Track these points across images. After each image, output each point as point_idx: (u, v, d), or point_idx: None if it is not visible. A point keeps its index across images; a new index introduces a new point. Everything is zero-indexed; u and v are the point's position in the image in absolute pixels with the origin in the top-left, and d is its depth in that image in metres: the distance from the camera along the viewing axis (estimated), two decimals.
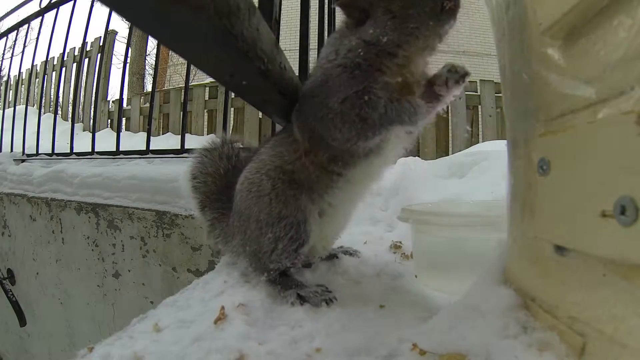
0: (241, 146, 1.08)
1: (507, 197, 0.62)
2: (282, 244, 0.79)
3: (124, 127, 4.45)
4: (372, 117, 0.72)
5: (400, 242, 1.15)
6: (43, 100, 5.01)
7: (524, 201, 0.55)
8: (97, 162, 2.50)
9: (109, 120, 4.83)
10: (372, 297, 0.79)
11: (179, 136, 2.33)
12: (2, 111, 3.92)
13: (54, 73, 4.97)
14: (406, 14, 0.71)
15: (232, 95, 2.59)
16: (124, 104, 4.66)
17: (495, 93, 3.17)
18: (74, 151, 2.79)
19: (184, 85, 2.54)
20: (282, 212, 0.79)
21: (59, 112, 4.75)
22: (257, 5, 0.68)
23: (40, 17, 3.37)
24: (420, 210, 0.94)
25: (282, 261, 0.80)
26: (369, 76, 0.72)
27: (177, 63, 8.99)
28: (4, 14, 4.06)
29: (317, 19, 1.88)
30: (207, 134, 4.02)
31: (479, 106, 3.22)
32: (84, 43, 4.05)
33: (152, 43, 7.26)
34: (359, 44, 0.73)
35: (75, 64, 4.81)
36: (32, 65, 4.81)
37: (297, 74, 1.10)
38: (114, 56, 5.10)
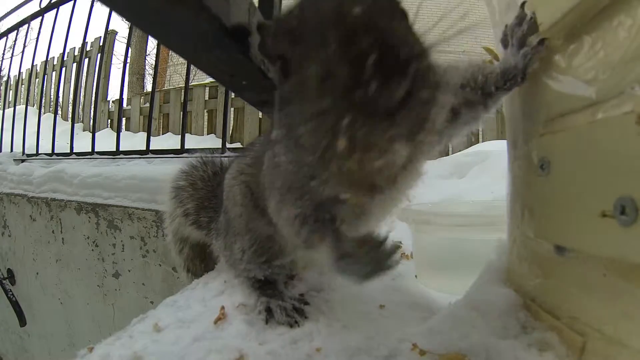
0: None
1: (507, 197, 0.62)
2: (247, 255, 0.77)
3: (124, 127, 4.45)
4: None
5: (400, 242, 1.15)
6: (43, 100, 5.01)
7: (524, 201, 0.55)
8: (97, 162, 2.50)
9: (109, 120, 4.83)
10: (372, 297, 0.79)
11: (179, 136, 2.33)
12: (2, 111, 3.93)
13: (54, 73, 4.97)
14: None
15: (232, 95, 2.59)
16: (124, 104, 4.66)
17: None
18: (74, 151, 2.80)
19: (184, 85, 2.54)
20: (248, 225, 0.76)
21: (59, 112, 4.75)
22: (257, 5, 0.68)
23: (40, 17, 3.38)
24: (420, 210, 0.94)
25: (253, 271, 0.78)
26: None
27: (177, 63, 8.97)
28: (4, 14, 4.07)
29: None
30: (207, 134, 4.03)
31: None
32: (84, 43, 4.05)
33: (152, 43, 7.24)
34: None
35: (75, 64, 4.81)
36: (32, 65, 4.81)
37: None
38: (114, 56, 5.10)
